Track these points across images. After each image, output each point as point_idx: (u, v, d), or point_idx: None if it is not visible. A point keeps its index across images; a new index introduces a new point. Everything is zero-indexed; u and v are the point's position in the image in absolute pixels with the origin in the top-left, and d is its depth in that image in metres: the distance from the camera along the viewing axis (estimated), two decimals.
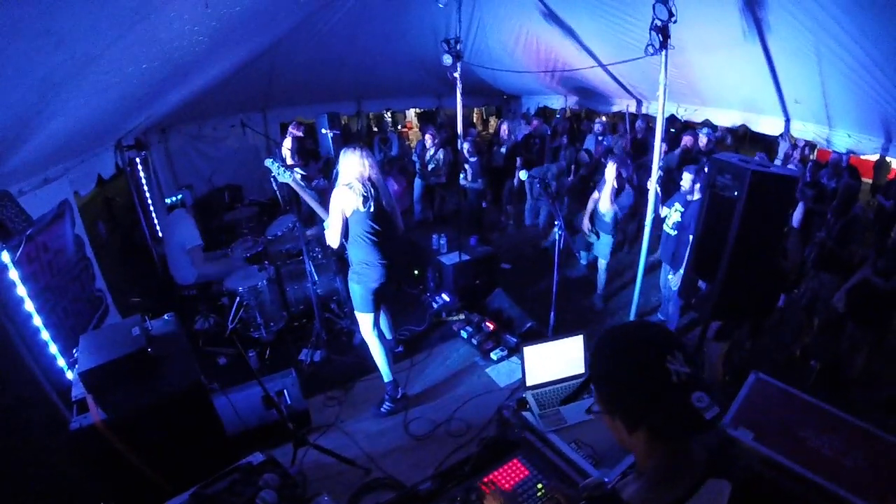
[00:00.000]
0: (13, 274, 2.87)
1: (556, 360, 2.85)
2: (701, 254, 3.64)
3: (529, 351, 2.79)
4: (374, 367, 3.90)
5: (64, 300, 3.65)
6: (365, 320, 3.69)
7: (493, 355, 4.31)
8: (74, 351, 2.51)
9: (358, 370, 4.32)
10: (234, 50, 5.15)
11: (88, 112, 3.44)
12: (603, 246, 5.57)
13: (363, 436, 3.58)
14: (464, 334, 4.66)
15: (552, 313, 4.24)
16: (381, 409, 3.82)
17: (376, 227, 3.47)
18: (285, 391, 3.50)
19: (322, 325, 4.58)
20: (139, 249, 5.91)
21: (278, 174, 3.75)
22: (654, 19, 3.81)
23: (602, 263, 5.63)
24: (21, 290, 2.91)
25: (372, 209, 3.42)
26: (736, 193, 3.24)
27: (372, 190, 3.44)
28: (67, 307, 3.68)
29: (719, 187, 3.39)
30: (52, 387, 2.91)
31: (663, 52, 3.94)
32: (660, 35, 3.84)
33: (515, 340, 4.39)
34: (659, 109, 4.29)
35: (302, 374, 4.10)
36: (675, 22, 3.79)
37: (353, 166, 3.44)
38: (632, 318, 4.90)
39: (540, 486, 2.22)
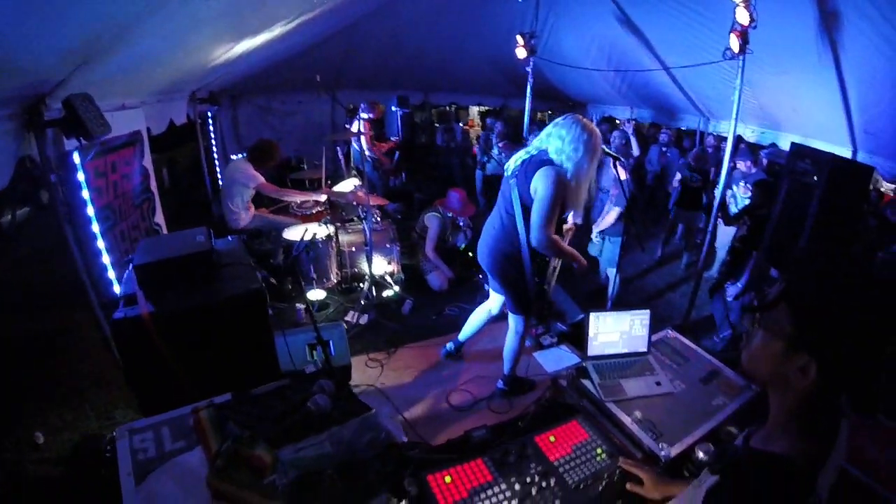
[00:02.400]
0: (80, 176, 2.89)
1: (620, 333, 2.67)
2: (775, 241, 3.46)
3: (595, 318, 2.62)
4: (421, 336, 3.79)
5: (123, 223, 3.67)
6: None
7: (542, 341, 4.15)
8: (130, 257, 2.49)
9: (403, 336, 4.24)
10: (314, 23, 5.21)
11: (176, 43, 3.49)
12: (609, 252, 5.36)
13: (402, 400, 3.46)
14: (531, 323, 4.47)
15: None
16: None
17: None
18: (331, 342, 3.40)
19: (371, 288, 4.50)
20: (198, 203, 5.99)
21: None
22: (734, 23, 3.68)
23: (612, 272, 5.41)
24: (85, 194, 2.92)
25: None
26: (815, 178, 3.16)
27: None
28: (125, 231, 3.70)
29: (798, 172, 3.25)
30: (96, 294, 2.90)
31: (741, 58, 3.79)
32: (739, 39, 3.70)
33: (566, 329, 4.20)
34: (732, 119, 4.09)
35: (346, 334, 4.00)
36: (755, 27, 3.64)
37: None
38: None
39: (600, 450, 2.03)
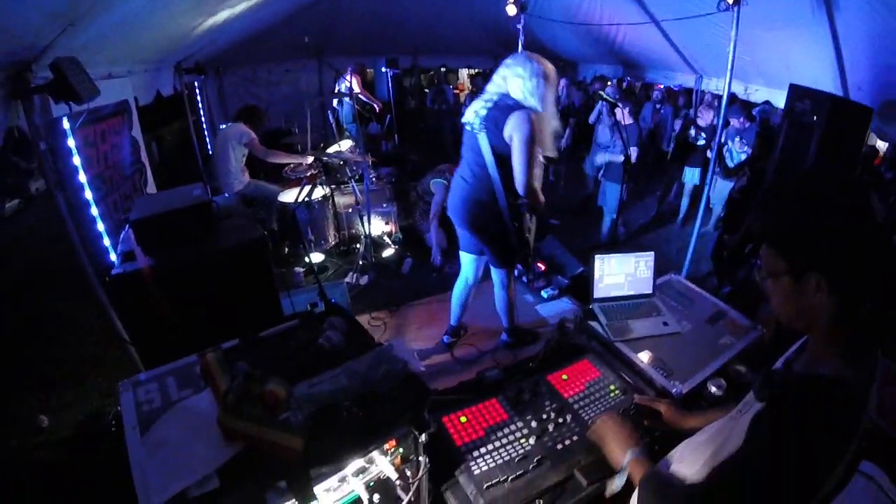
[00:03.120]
0: (71, 142, 2.81)
1: (625, 275, 2.65)
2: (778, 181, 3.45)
3: (599, 260, 2.61)
4: (422, 293, 3.76)
5: (115, 193, 3.61)
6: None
7: (544, 293, 4.14)
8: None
9: (404, 295, 4.23)
10: None
11: (160, 6, 3.39)
12: (610, 198, 5.46)
13: (407, 356, 3.45)
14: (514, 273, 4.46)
15: None
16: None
17: None
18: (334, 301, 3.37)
19: (369, 248, 4.48)
20: (189, 177, 5.90)
21: None
22: None
23: (607, 219, 5.45)
24: (76, 160, 2.85)
25: None
26: (815, 118, 3.16)
27: None
28: (117, 201, 3.64)
29: (797, 113, 3.25)
30: (91, 263, 2.85)
31: (736, 10, 3.69)
32: None
33: (567, 282, 4.19)
34: (727, 73, 4.03)
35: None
36: None
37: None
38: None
39: (613, 387, 2.04)
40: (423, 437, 1.34)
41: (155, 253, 2.14)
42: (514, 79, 2.80)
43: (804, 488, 0.95)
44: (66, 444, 2.97)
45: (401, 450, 1.36)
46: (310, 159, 5.02)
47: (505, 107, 2.79)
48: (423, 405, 1.33)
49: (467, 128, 2.95)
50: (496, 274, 3.26)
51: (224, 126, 5.58)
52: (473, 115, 2.90)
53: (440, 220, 5.15)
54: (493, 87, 2.91)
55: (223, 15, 4.47)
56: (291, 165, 5.34)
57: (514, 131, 2.74)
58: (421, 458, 1.39)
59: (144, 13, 3.32)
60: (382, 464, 1.33)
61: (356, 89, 6.37)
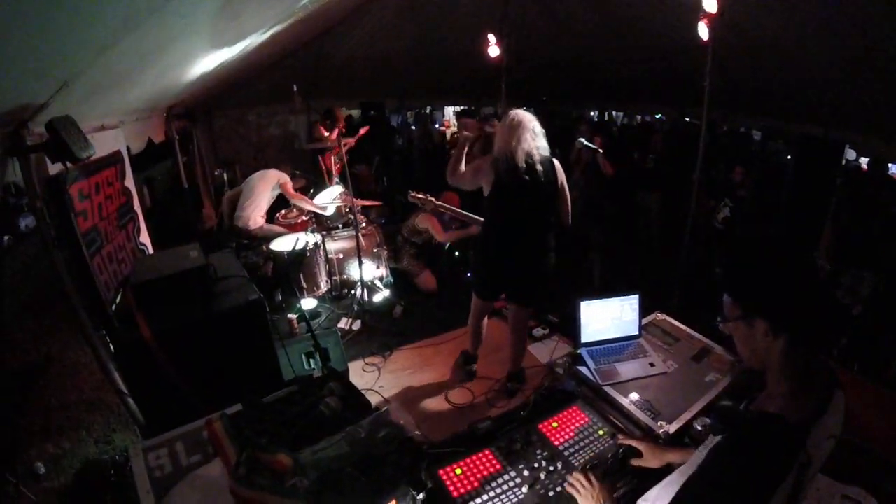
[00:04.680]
0: (67, 199, 2.86)
1: (611, 318, 2.74)
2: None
3: (585, 306, 2.69)
4: (414, 337, 3.83)
5: (109, 245, 3.64)
6: None
7: (535, 332, 4.20)
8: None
9: (397, 340, 4.28)
10: (286, 32, 5.22)
11: (151, 62, 3.48)
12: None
13: (402, 402, 3.50)
14: (504, 312, 4.52)
15: None
16: None
17: None
18: (327, 350, 3.43)
19: (363, 294, 4.54)
20: (181, 221, 5.95)
21: None
22: None
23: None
24: (73, 217, 2.89)
25: None
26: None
27: None
28: (112, 253, 3.66)
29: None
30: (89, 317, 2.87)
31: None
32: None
33: (556, 320, 4.27)
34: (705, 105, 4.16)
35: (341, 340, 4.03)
36: None
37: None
38: None
39: (602, 431, 2.11)
40: (420, 496, 1.40)
41: (155, 315, 2.19)
42: None
43: None
44: (64, 493, 2.94)
45: None
46: (330, 210, 5.28)
47: None
48: (419, 466, 1.40)
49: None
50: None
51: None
52: None
53: (429, 253, 5.28)
54: None
55: (213, 62, 4.58)
56: (283, 212, 5.48)
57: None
58: None
59: (138, 69, 3.42)
60: None
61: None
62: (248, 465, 1.33)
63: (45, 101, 2.60)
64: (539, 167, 3.06)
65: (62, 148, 2.55)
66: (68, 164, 2.65)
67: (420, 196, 4.28)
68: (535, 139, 3.06)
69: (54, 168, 2.81)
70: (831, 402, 1.18)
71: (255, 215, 5.21)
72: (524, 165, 3.01)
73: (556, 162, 3.16)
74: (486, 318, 3.64)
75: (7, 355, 4.22)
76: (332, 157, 6.32)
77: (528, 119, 3.06)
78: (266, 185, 5.32)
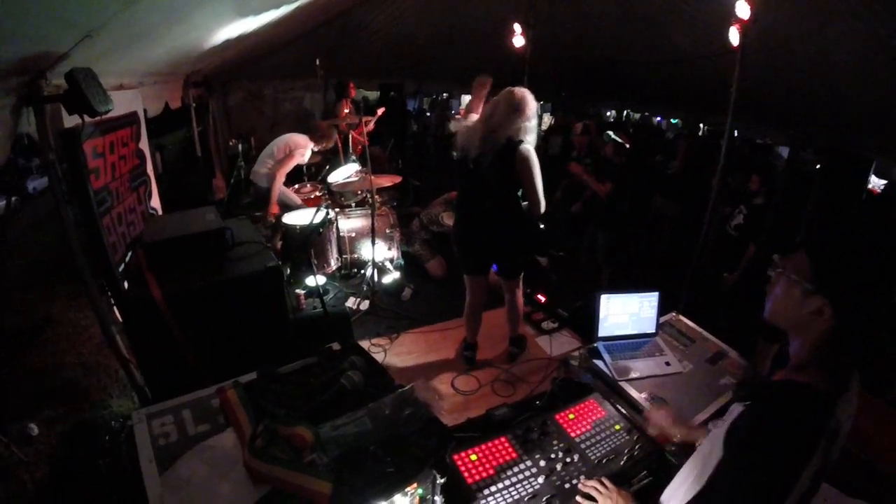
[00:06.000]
0: (81, 154, 2.79)
1: (629, 314, 2.70)
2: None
3: (605, 299, 2.65)
4: (421, 322, 3.83)
5: (119, 206, 3.59)
6: None
7: (544, 325, 4.15)
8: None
9: (404, 323, 4.24)
10: (311, 7, 5.12)
11: (177, 20, 3.40)
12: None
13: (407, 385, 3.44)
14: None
15: None
16: None
17: None
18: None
19: (373, 274, 4.50)
20: (193, 190, 5.90)
21: None
22: None
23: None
24: (85, 173, 2.83)
25: None
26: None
27: None
28: (122, 214, 3.62)
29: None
30: (94, 278, 2.81)
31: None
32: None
33: (567, 315, 4.22)
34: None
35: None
36: None
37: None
38: None
39: (619, 426, 2.06)
40: (441, 480, 1.35)
41: (167, 277, 2.14)
42: None
43: (781, 478, 1.04)
44: (55, 456, 2.89)
45: (420, 490, 1.36)
46: (310, 210, 5.09)
47: None
48: (445, 449, 1.35)
49: None
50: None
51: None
52: None
53: (438, 239, 5.22)
54: None
55: (237, 30, 4.50)
56: (296, 186, 5.37)
57: None
58: (437, 499, 1.40)
59: (164, 26, 3.34)
60: None
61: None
62: (266, 437, 1.28)
63: (67, 51, 2.52)
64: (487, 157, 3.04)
65: (81, 100, 2.48)
66: (85, 118, 2.57)
67: None
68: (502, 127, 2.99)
69: (69, 122, 2.74)
70: (851, 380, 1.16)
71: (273, 172, 5.06)
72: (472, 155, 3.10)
73: (523, 149, 2.97)
74: (481, 303, 3.61)
75: (7, 314, 4.20)
76: (351, 135, 6.23)
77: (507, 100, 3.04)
78: (288, 147, 5.16)
